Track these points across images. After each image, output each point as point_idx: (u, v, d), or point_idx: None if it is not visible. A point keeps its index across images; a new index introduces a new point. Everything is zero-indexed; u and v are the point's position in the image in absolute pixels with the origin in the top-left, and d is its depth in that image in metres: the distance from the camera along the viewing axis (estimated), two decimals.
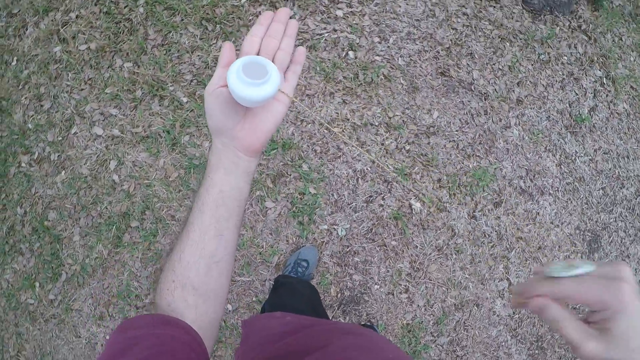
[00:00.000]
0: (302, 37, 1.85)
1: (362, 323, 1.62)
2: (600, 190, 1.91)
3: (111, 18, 1.97)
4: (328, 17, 1.88)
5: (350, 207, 1.67)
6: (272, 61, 0.46)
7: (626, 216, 1.93)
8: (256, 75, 0.43)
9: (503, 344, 1.71)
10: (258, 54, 0.46)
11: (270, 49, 0.46)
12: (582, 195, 1.87)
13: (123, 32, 1.96)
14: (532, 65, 1.93)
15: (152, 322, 0.42)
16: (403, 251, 1.65)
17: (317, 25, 1.87)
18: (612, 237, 1.90)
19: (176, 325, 0.43)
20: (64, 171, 1.91)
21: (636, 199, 1.95)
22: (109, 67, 1.94)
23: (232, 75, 0.42)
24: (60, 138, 1.93)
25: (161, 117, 1.84)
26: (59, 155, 1.92)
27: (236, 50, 0.46)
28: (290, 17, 0.49)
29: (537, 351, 1.76)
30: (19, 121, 1.95)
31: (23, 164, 1.94)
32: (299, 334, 0.63)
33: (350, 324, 1.24)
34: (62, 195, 1.89)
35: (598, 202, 1.90)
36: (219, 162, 0.47)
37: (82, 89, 1.94)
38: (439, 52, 1.86)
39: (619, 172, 1.95)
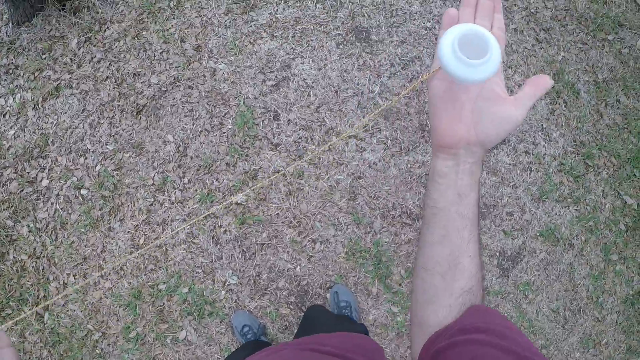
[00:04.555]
0: (49, 229, 1.80)
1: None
2: (318, 5, 1.88)
3: None
4: (44, 195, 1.83)
5: (215, 260, 1.64)
6: None
7: None
8: (473, 50, 0.37)
9: (409, 166, 1.69)
10: None
11: None
12: (311, 26, 1.84)
13: None
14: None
15: None
16: (276, 228, 1.62)
17: (47, 210, 1.82)
18: (366, 13, 1.88)
19: None
20: None
21: None
22: None
23: (447, 49, 0.37)
24: None
25: None
26: None
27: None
28: None
29: None
30: None
31: None
32: None
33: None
34: None
35: (326, 12, 1.86)
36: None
37: None
38: (119, 105, 1.82)
39: None
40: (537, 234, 1.86)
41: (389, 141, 1.72)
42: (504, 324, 0.39)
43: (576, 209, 1.94)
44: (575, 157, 1.98)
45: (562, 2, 2.24)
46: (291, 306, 1.60)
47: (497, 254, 1.79)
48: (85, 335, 1.74)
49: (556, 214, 1.90)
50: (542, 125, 1.96)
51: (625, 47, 2.22)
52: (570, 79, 2.07)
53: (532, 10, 2.16)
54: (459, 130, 0.41)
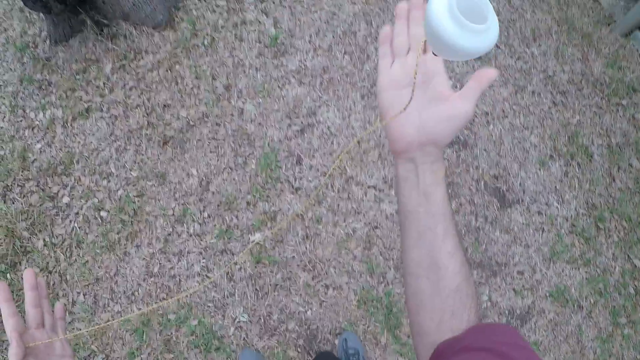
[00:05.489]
0: (64, 246, 1.83)
1: None
2: (346, 56, 1.96)
3: None
4: (63, 212, 1.87)
5: (227, 296, 1.65)
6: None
7: None
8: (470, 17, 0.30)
9: None
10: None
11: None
12: (338, 76, 1.92)
13: None
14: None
15: None
16: (291, 270, 1.64)
17: (64, 227, 1.86)
18: None
19: None
20: None
21: None
22: None
23: (441, 12, 0.30)
24: None
25: None
26: None
27: None
28: None
29: (449, 190, 1.78)
30: None
31: None
32: None
33: None
34: None
35: (353, 64, 1.94)
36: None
37: None
38: (146, 134, 1.88)
39: None
40: (547, 294, 1.87)
41: None
42: (510, 341, 0.38)
43: (586, 271, 1.95)
44: (587, 219, 2.00)
45: (579, 67, 2.32)
46: (299, 349, 1.60)
47: (507, 312, 1.79)
48: (89, 355, 1.74)
49: (566, 275, 1.91)
50: (555, 186, 2.00)
51: (638, 112, 2.29)
52: (584, 142, 2.13)
53: (549, 74, 2.24)
54: (410, 134, 0.43)
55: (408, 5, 0.44)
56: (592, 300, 1.95)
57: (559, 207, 1.98)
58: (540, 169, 1.98)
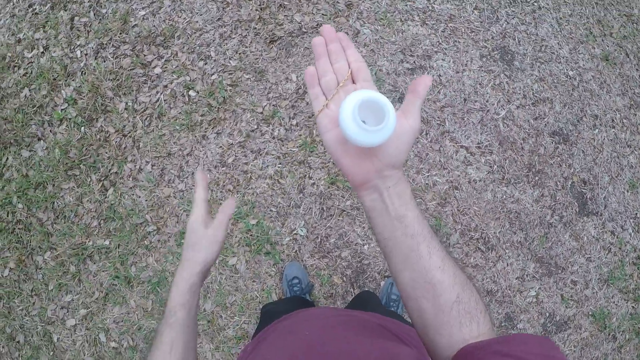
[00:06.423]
0: (145, 114, 1.84)
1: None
2: (475, 12, 1.86)
3: (5, 233, 1.99)
4: (152, 81, 1.87)
5: (292, 207, 1.65)
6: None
7: (513, 11, 1.87)
8: (371, 115, 0.39)
9: (504, 197, 1.67)
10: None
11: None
12: (462, 29, 1.82)
13: (23, 234, 1.98)
14: None
15: None
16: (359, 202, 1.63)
17: (150, 96, 1.86)
18: (517, 38, 1.85)
19: None
20: None
21: None
22: (37, 269, 1.96)
23: (347, 117, 0.38)
24: (52, 353, 1.95)
25: (103, 271, 1.85)
26: None
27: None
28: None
29: (536, 177, 1.72)
30: None
31: None
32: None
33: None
34: None
35: (480, 21, 1.84)
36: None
37: (33, 303, 1.97)
38: (255, 28, 1.84)
39: None
40: (590, 313, 1.83)
41: (495, 166, 1.70)
42: (542, 352, 0.37)
43: (634, 307, 1.90)
44: None
45: None
46: (344, 278, 1.61)
47: (547, 314, 1.76)
48: (141, 223, 1.78)
49: (614, 302, 1.86)
50: (636, 213, 1.91)
51: None
52: None
53: None
54: (364, 165, 0.42)
55: (323, 39, 0.44)
56: (627, 336, 1.90)
57: (632, 234, 1.90)
58: (628, 191, 1.89)
